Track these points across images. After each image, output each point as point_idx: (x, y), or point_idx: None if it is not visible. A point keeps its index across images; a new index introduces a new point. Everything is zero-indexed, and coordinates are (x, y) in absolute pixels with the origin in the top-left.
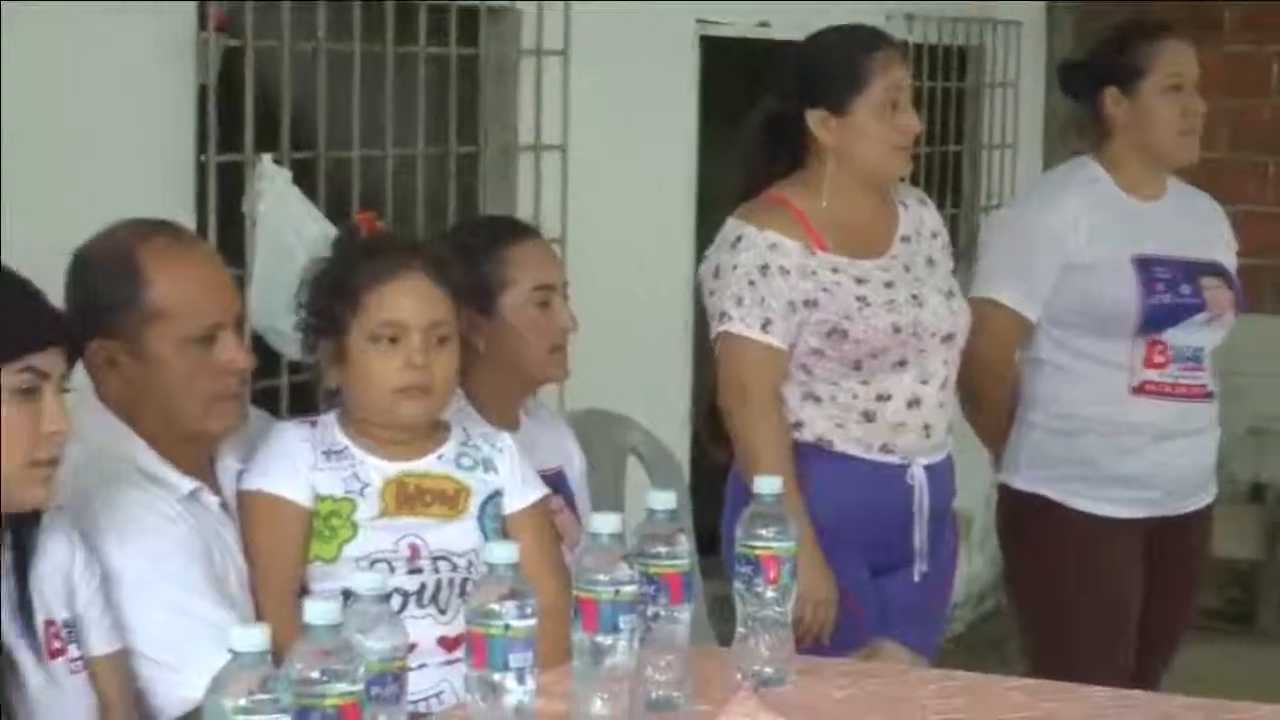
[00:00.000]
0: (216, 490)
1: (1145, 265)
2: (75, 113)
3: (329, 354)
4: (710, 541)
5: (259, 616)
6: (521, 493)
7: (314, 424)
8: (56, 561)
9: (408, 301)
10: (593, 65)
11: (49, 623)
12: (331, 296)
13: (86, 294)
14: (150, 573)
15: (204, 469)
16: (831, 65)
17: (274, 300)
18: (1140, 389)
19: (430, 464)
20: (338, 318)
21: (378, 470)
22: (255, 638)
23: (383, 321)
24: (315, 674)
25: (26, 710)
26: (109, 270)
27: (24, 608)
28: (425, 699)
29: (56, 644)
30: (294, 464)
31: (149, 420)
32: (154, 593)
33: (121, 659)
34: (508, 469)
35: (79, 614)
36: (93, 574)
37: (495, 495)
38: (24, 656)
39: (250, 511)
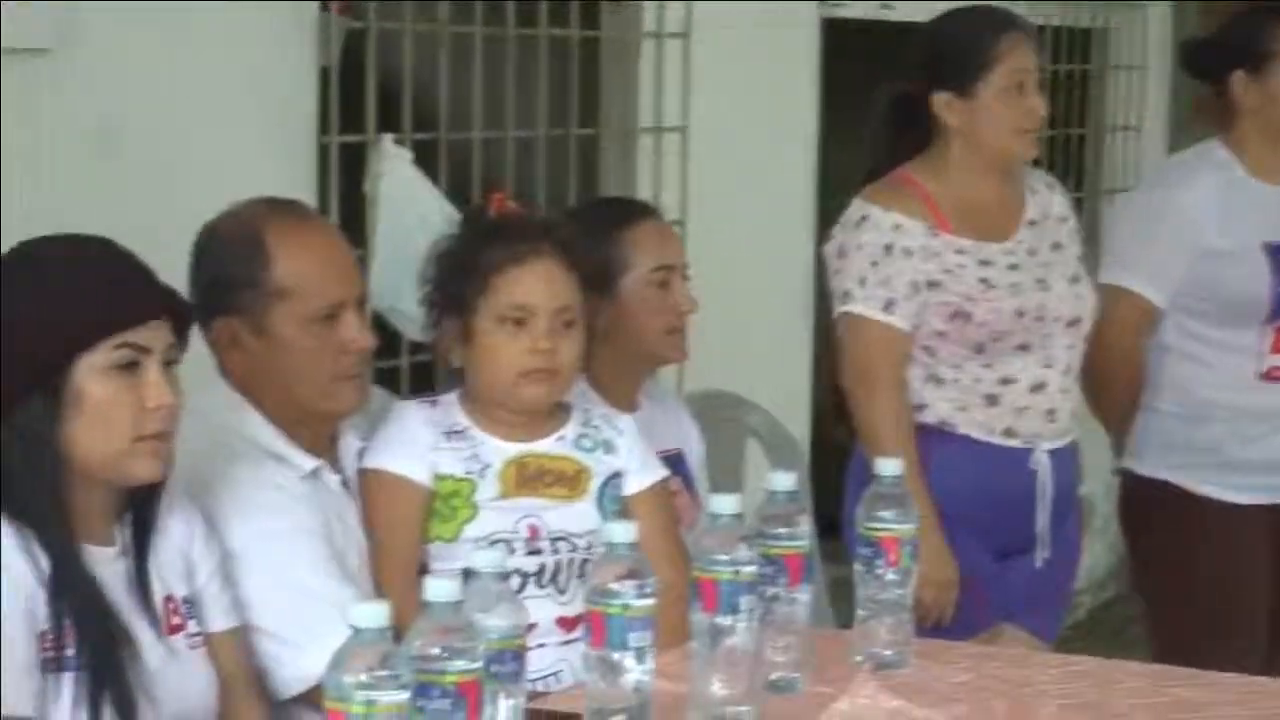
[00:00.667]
0: (338, 469)
1: (1276, 252)
2: (200, 94)
3: (453, 333)
4: (829, 525)
5: (379, 594)
6: (641, 474)
7: (435, 404)
8: (176, 539)
9: (537, 285)
10: (714, 47)
11: (168, 599)
12: (459, 276)
13: (211, 271)
14: (272, 550)
15: (325, 447)
16: (957, 47)
17: (395, 280)
18: (1269, 375)
19: (550, 445)
20: (464, 297)
21: (498, 451)
22: (376, 614)
23: (511, 304)
24: (435, 650)
25: (145, 685)
26: (234, 248)
27: (142, 584)
28: (544, 678)
29: (175, 620)
30: (415, 444)
31: (271, 398)
32: (275, 570)
33: (240, 635)
34: (627, 450)
35: (198, 590)
36: (212, 551)
37: (615, 477)
38: (143, 632)
39: (371, 490)
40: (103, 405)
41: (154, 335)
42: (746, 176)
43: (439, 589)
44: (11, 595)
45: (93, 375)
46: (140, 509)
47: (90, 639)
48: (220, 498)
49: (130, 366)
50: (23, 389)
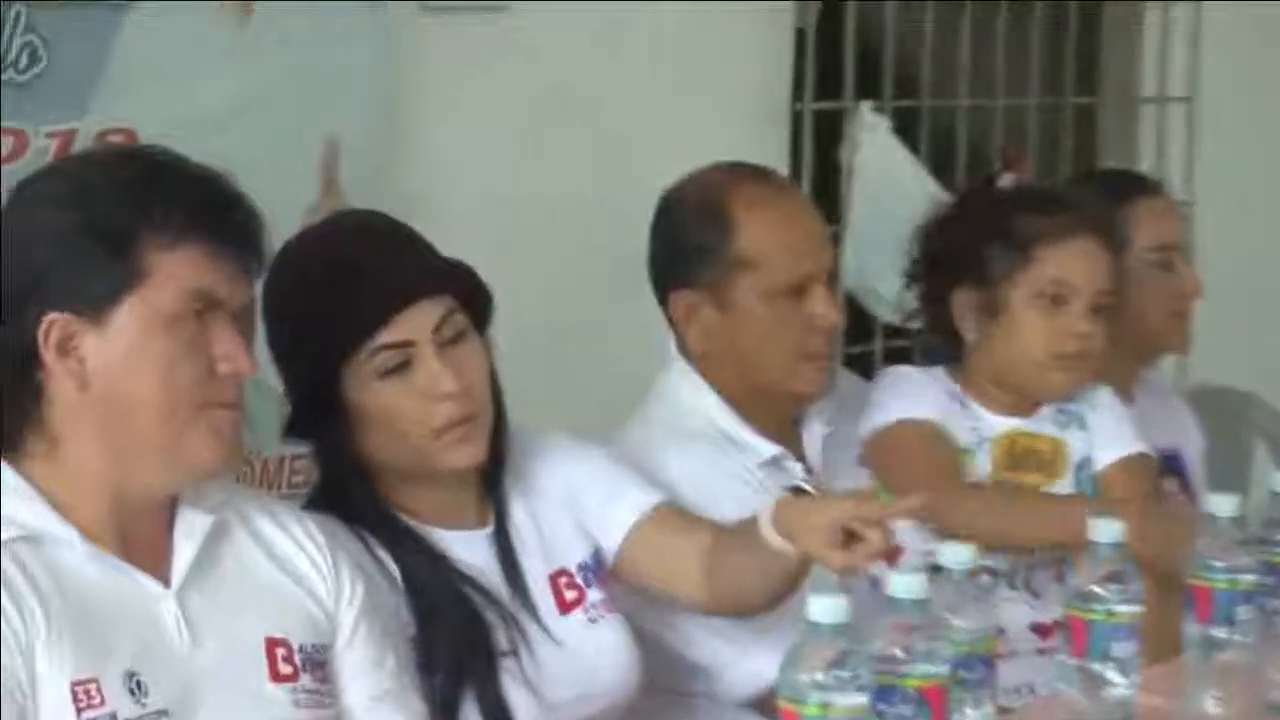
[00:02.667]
0: (800, 456)
1: None
2: (664, 57)
3: (969, 302)
4: None
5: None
6: (1112, 447)
7: (925, 371)
8: (560, 505)
9: (1081, 264)
10: (1227, 12)
11: (559, 574)
12: (992, 243)
13: (671, 240)
14: None
15: (787, 433)
16: None
17: (872, 258)
18: None
19: (1035, 423)
20: (996, 266)
21: (993, 426)
22: (835, 609)
23: (1053, 280)
24: (898, 652)
25: (530, 667)
26: (695, 216)
27: (512, 564)
28: (1015, 689)
29: (571, 594)
30: (930, 400)
31: (730, 377)
32: None
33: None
34: (1097, 423)
35: (600, 551)
36: (621, 515)
37: (1088, 459)
38: (529, 612)
39: (903, 440)
40: (383, 413)
41: (417, 322)
42: (1262, 153)
43: (903, 584)
44: (359, 613)
45: (360, 385)
46: (495, 490)
47: (453, 632)
48: (674, 482)
49: (399, 367)
50: (306, 407)
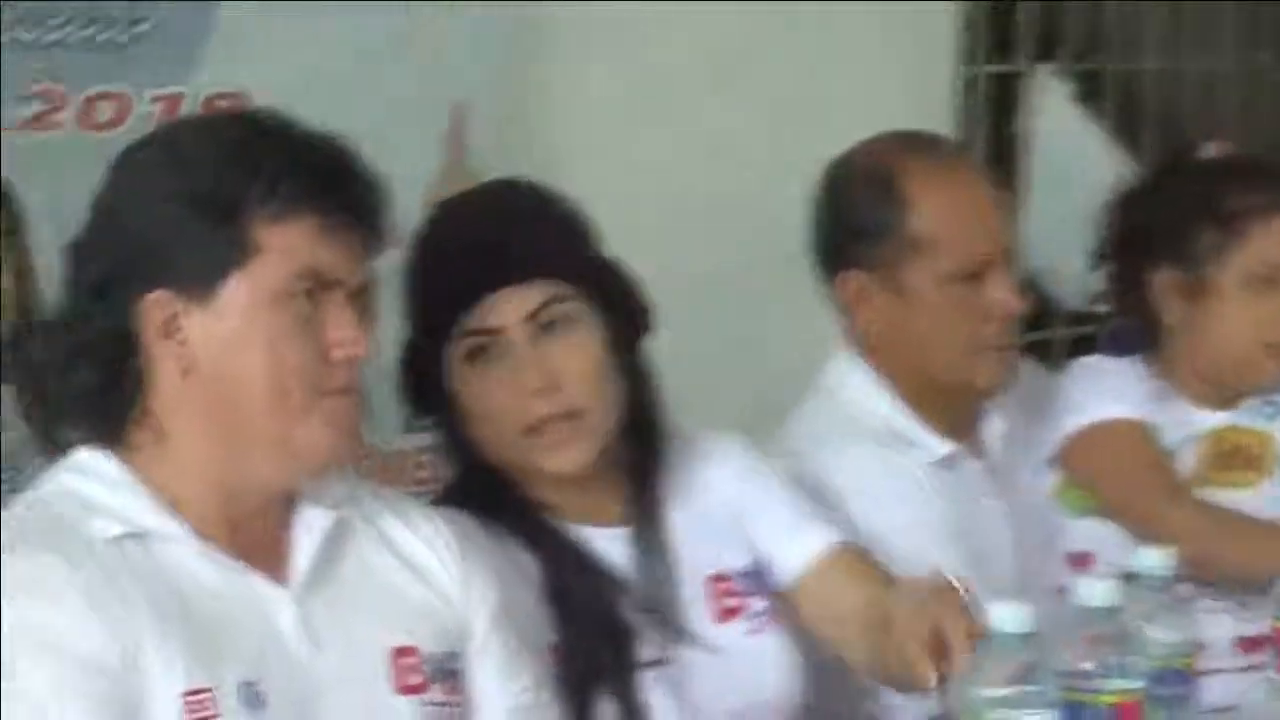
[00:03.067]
0: (979, 454)
1: None
2: (832, 17)
3: (1170, 285)
4: None
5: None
6: None
7: (1119, 361)
8: (723, 505)
9: None
10: None
11: (716, 578)
12: (1198, 219)
13: (836, 217)
14: (895, 551)
15: (964, 429)
16: None
17: (1052, 236)
18: None
19: (1242, 416)
20: (1201, 245)
21: (1198, 421)
22: (1018, 618)
23: (1266, 261)
24: (1088, 665)
25: (689, 673)
26: (863, 192)
27: (658, 566)
28: (1218, 710)
29: (730, 602)
30: (1131, 397)
31: (903, 367)
32: (898, 558)
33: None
34: None
35: (761, 559)
36: (771, 491)
37: None
38: (678, 620)
39: (1110, 441)
40: (477, 405)
41: (508, 307)
42: None
43: (1095, 592)
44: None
45: (454, 372)
46: (642, 487)
47: (595, 638)
48: (836, 477)
49: (487, 356)
50: (415, 393)
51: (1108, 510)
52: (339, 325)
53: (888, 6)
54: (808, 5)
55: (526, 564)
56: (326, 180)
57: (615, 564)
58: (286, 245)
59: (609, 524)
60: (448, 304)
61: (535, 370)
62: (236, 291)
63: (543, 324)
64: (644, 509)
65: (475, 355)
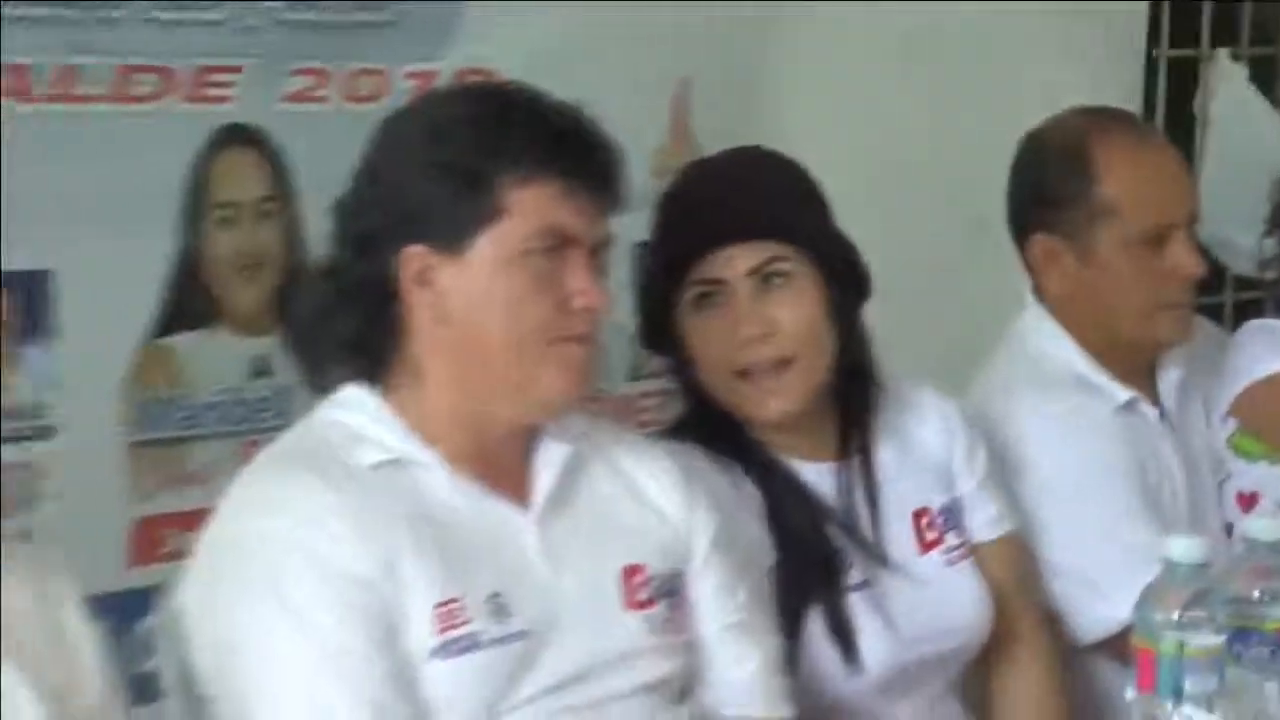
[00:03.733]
0: (1156, 402)
1: None
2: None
3: None
4: None
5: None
6: None
7: None
8: (930, 451)
9: None
10: None
11: (920, 512)
12: None
13: (1033, 183)
14: (1080, 487)
15: (1142, 378)
16: None
17: (1226, 208)
18: None
19: None
20: None
21: None
22: (1193, 549)
23: None
24: (1255, 593)
25: (892, 597)
26: (1057, 161)
27: (873, 501)
28: None
29: (931, 534)
30: None
31: (1087, 323)
32: (1083, 510)
33: (1013, 543)
34: None
35: (959, 499)
36: (976, 464)
37: None
38: (884, 548)
39: (1274, 393)
40: (699, 348)
41: (734, 262)
42: None
43: (1260, 527)
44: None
45: (682, 317)
46: (853, 429)
47: (809, 562)
48: (1025, 422)
49: (710, 304)
50: (649, 334)
51: (1277, 455)
52: (577, 278)
53: None
54: None
55: (749, 493)
56: (568, 147)
57: (826, 496)
58: (531, 206)
59: (822, 460)
60: (683, 255)
61: (751, 320)
62: (485, 248)
63: (763, 278)
64: (854, 448)
65: (701, 303)
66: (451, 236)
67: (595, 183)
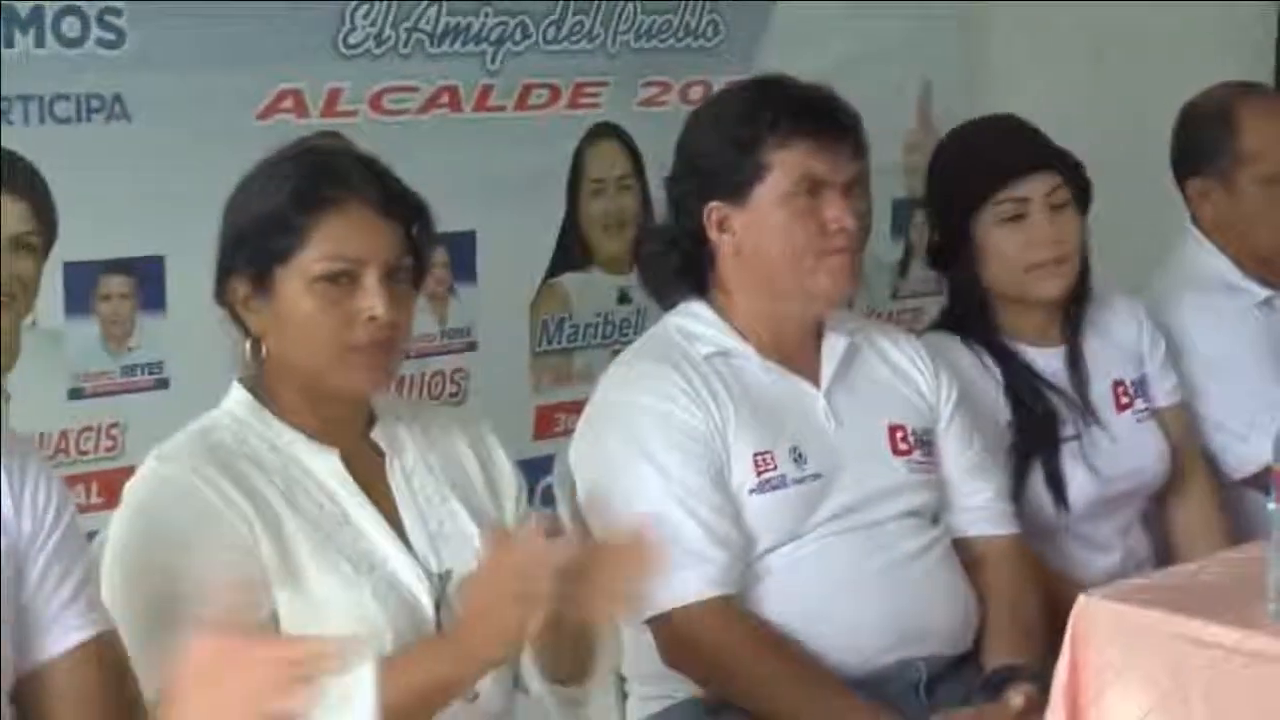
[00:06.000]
0: None
1: None
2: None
3: None
4: None
5: None
6: None
7: None
8: (1122, 336)
9: None
10: None
11: (1117, 383)
12: None
13: (1187, 140)
14: (1229, 360)
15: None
16: None
17: None
18: None
19: None
20: None
21: None
22: None
23: None
24: None
25: (1095, 446)
26: (1207, 121)
27: (1080, 373)
28: None
29: (1124, 399)
30: None
31: (1233, 242)
32: (1232, 378)
33: (1182, 407)
34: None
35: (1145, 375)
36: (1157, 347)
37: None
38: (1091, 410)
39: None
40: (997, 252)
41: (1034, 186)
42: None
43: None
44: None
45: (985, 230)
46: (1076, 315)
47: (1033, 419)
48: (1186, 317)
49: (1015, 219)
50: (947, 244)
51: None
52: (833, 208)
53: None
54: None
55: (991, 367)
56: (814, 115)
57: (1051, 371)
58: (788, 162)
59: (1046, 345)
60: (995, 178)
61: (1049, 230)
62: (761, 197)
63: (1055, 202)
64: (1074, 333)
65: (1007, 218)
66: (737, 193)
67: (837, 137)
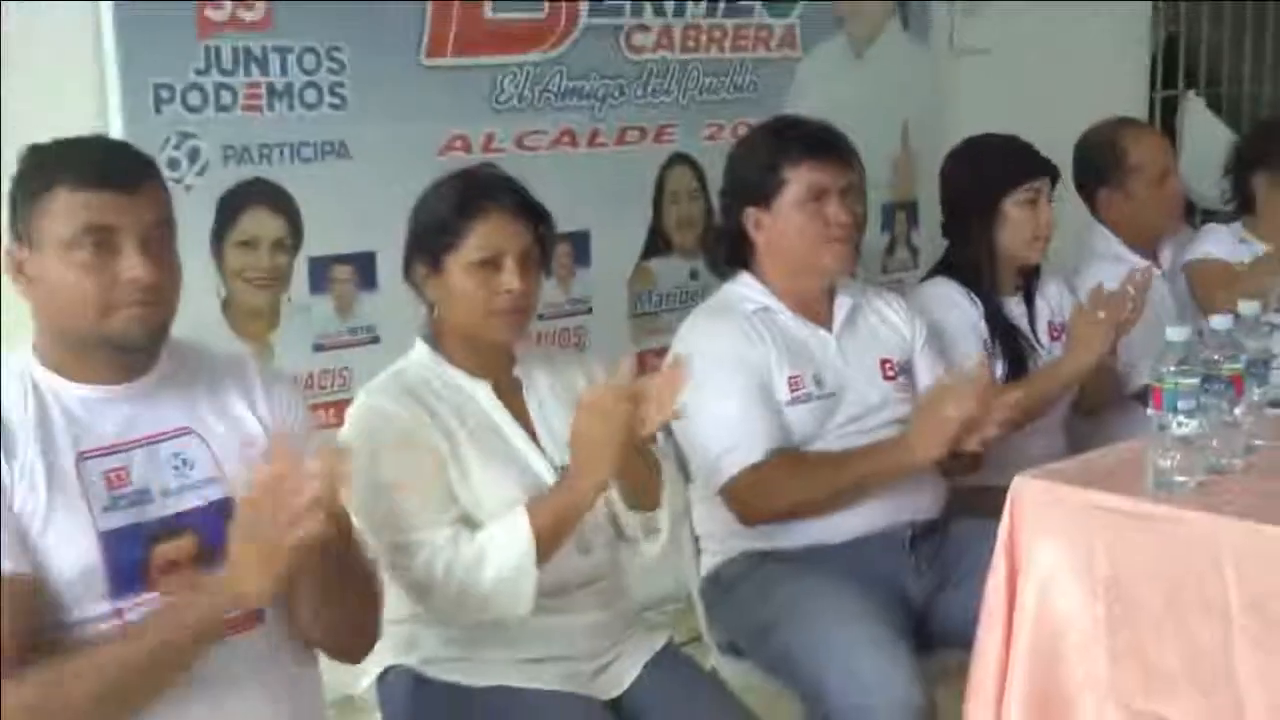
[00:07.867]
0: (1159, 265)
1: None
2: (1062, 58)
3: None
4: None
5: None
6: None
7: None
8: (1051, 292)
9: None
10: None
11: (1051, 323)
12: None
13: (1087, 162)
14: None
15: (1154, 252)
16: None
17: (1196, 173)
18: None
19: None
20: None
21: None
22: (1182, 333)
23: None
24: (1216, 356)
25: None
26: (1100, 147)
27: (1033, 322)
28: None
29: (1056, 333)
30: None
31: (1128, 228)
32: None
33: None
34: None
35: (1064, 320)
36: (1073, 299)
37: None
38: (1038, 341)
39: None
40: (1013, 224)
41: (1044, 184)
42: None
43: (1218, 322)
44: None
45: (1007, 207)
46: (1029, 277)
47: (1003, 348)
48: (1087, 283)
49: (1031, 204)
50: (968, 215)
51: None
52: (832, 208)
53: (1107, 51)
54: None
55: (977, 303)
56: (819, 142)
57: (1015, 313)
58: (802, 177)
59: (1012, 294)
60: (1022, 174)
61: (1047, 214)
62: (783, 203)
63: (1049, 197)
64: (1028, 288)
65: (1026, 201)
66: (765, 199)
67: (836, 158)
